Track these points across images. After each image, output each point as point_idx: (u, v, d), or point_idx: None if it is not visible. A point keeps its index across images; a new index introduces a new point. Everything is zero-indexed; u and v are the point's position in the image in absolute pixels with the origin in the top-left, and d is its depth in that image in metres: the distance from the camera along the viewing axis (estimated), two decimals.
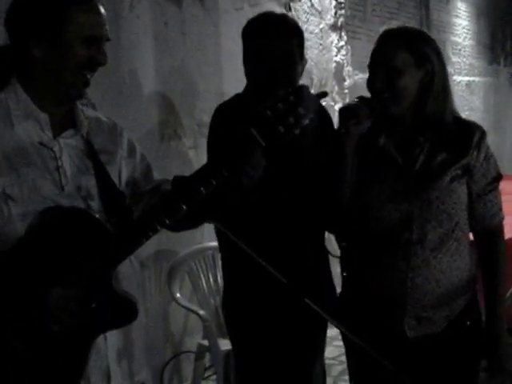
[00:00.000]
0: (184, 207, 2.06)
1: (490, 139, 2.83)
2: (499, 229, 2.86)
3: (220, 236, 3.11)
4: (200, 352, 4.44)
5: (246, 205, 2.50)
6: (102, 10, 2.17)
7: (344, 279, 2.93)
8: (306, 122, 2.04)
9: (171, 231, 2.37)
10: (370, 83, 2.73)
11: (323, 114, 3.08)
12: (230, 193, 2.20)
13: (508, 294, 2.88)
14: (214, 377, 4.57)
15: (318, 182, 2.83)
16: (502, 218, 2.86)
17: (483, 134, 2.76)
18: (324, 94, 2.20)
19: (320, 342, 3.14)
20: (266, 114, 2.02)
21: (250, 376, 3.05)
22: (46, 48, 2.11)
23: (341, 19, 6.42)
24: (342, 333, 2.79)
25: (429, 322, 2.73)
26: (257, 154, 2.09)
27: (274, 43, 2.90)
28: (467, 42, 9.78)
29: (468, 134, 2.74)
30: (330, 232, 3.07)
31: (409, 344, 2.74)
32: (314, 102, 2.04)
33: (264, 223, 2.93)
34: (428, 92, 2.71)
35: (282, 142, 2.02)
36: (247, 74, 3.00)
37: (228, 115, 2.96)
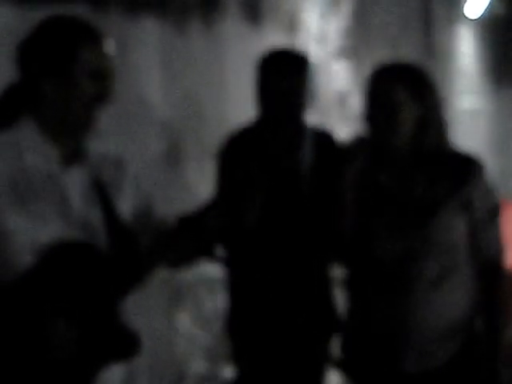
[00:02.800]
0: (187, 244, 2.10)
1: (497, 162, 2.83)
2: (500, 262, 2.85)
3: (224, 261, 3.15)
4: (204, 378, 4.44)
5: (245, 238, 2.57)
6: (110, 47, 2.26)
7: (348, 311, 2.95)
8: (310, 159, 2.09)
9: (171, 267, 2.40)
10: (368, 117, 2.76)
11: (328, 149, 3.06)
12: (229, 231, 2.25)
13: None
14: None
15: (317, 214, 2.88)
16: (503, 251, 2.86)
17: (481, 166, 2.78)
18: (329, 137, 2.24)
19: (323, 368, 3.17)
20: (271, 154, 2.06)
21: None
22: (56, 83, 2.20)
23: (344, 47, 6.47)
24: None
25: (430, 358, 2.73)
26: (259, 195, 2.14)
27: (276, 80, 2.97)
28: (472, 69, 9.71)
29: (466, 167, 2.77)
30: (334, 261, 3.10)
31: (411, 380, 2.74)
32: (316, 141, 2.10)
33: (264, 253, 2.98)
34: (426, 125, 2.74)
35: (285, 179, 2.07)
36: (257, 107, 3.07)
37: (236, 149, 3.03)
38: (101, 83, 2.21)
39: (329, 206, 2.80)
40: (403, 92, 2.72)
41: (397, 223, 2.72)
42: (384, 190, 2.76)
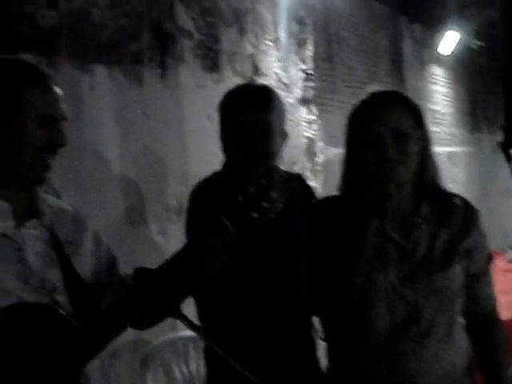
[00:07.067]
0: (150, 299, 2.07)
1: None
2: (495, 311, 2.82)
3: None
4: None
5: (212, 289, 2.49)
6: (56, 90, 2.22)
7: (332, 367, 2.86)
8: (280, 205, 2.08)
9: (136, 329, 2.37)
10: (379, 153, 2.55)
11: (302, 191, 3.00)
12: (195, 283, 2.21)
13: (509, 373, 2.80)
14: None
15: (292, 262, 2.83)
16: (496, 300, 2.83)
17: (478, 211, 2.72)
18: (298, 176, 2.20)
19: None
20: (238, 200, 2.04)
21: None
22: (3, 132, 2.17)
23: (310, 92, 6.51)
24: None
25: None
26: (226, 243, 2.11)
27: (254, 117, 2.84)
28: (446, 110, 9.80)
29: (467, 215, 2.69)
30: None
31: None
32: (287, 183, 2.08)
33: (240, 309, 2.89)
34: (425, 161, 2.62)
35: (257, 227, 2.04)
36: (224, 150, 2.96)
37: (203, 197, 2.94)
38: (51, 130, 2.18)
39: (303, 254, 2.75)
40: (409, 120, 2.58)
41: (400, 277, 2.59)
42: (382, 239, 2.61)
